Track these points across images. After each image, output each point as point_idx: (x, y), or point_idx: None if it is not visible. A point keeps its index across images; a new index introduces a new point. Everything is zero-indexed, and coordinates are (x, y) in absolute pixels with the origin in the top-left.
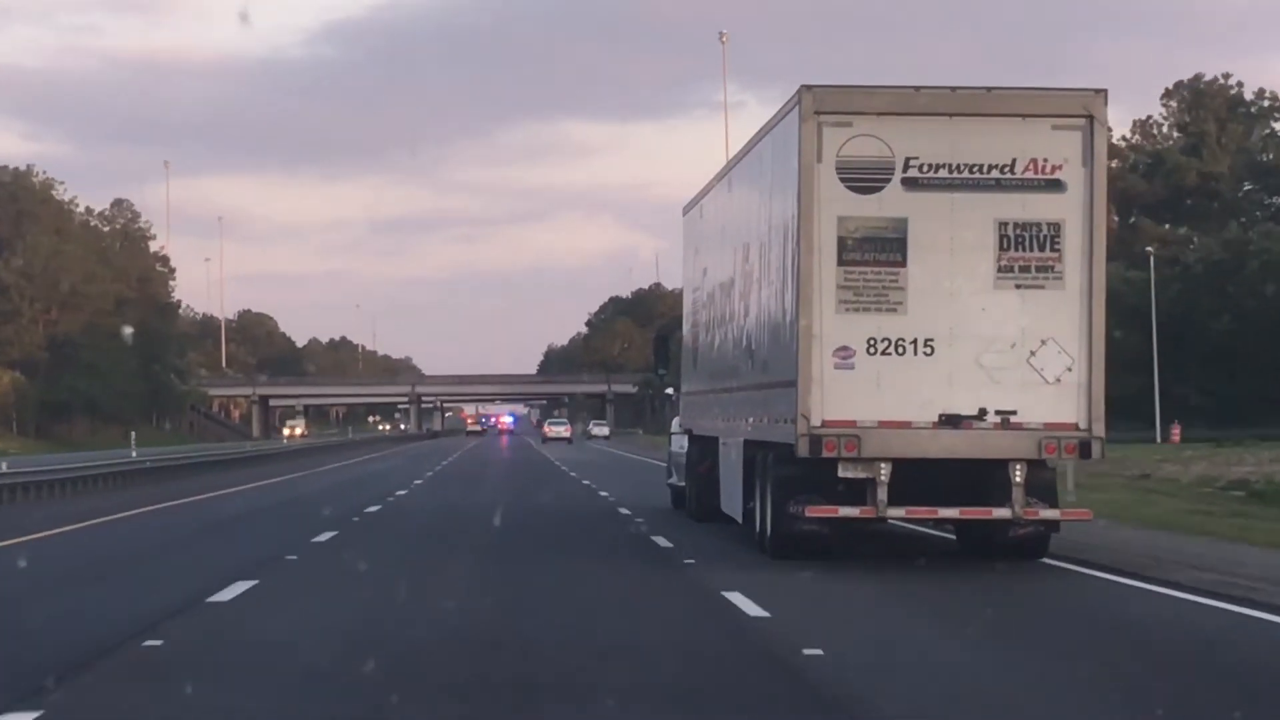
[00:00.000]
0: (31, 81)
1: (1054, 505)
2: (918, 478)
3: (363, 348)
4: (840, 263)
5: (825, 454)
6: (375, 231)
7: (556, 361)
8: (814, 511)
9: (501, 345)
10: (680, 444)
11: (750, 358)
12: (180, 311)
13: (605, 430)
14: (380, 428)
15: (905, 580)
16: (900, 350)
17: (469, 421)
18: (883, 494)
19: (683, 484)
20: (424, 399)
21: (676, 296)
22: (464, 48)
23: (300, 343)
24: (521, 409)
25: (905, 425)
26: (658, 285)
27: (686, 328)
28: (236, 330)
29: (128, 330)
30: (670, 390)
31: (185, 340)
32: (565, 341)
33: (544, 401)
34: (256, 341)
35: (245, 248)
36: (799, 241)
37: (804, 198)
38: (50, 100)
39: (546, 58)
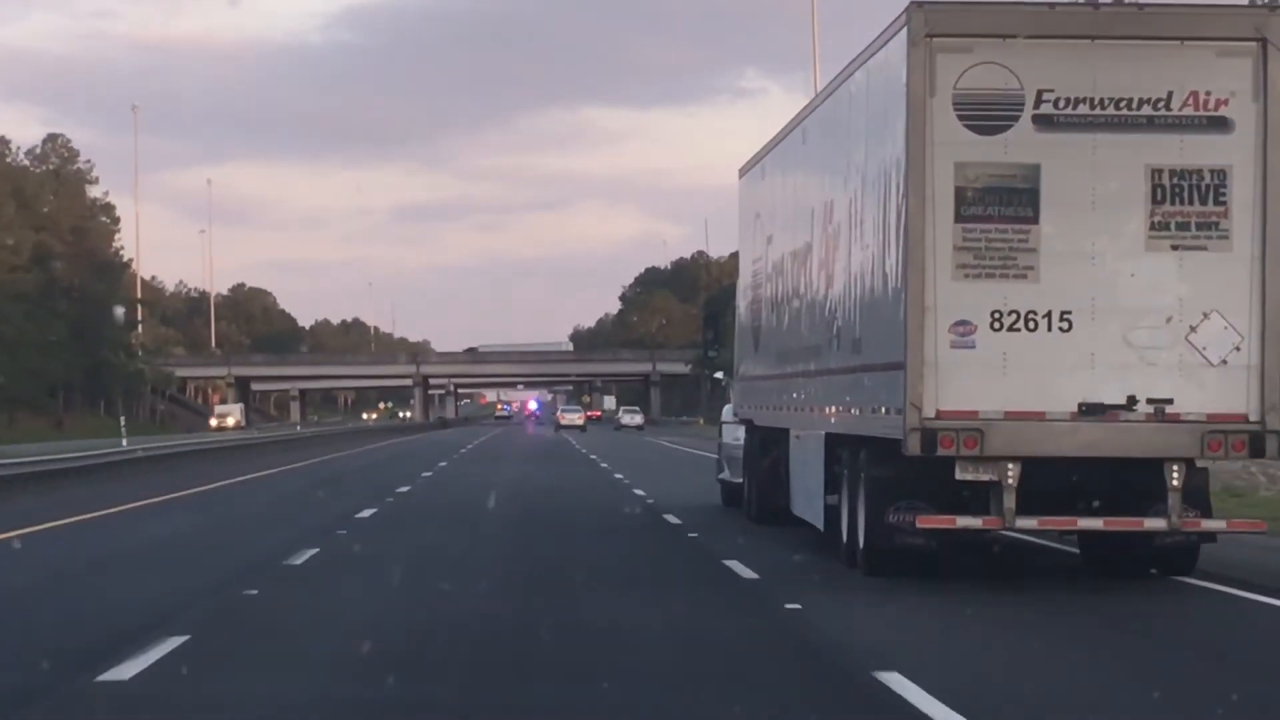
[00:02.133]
0: (51, 67)
1: (1208, 513)
2: (1050, 480)
3: (376, 329)
4: (958, 219)
5: (941, 451)
6: (397, 219)
7: (584, 344)
8: (926, 522)
9: (524, 332)
10: (735, 435)
11: (835, 337)
12: (155, 283)
13: (638, 419)
14: (367, 416)
15: (1044, 608)
16: (1031, 325)
17: (498, 407)
18: (1010, 500)
19: (738, 480)
20: (432, 381)
21: (723, 266)
22: (484, 34)
23: (305, 323)
24: (546, 395)
25: (1037, 417)
26: (701, 254)
27: (743, 303)
28: (227, 307)
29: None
30: (720, 374)
31: (138, 308)
32: (593, 323)
33: (569, 387)
34: (252, 319)
35: (266, 234)
36: (907, 194)
37: (913, 140)
38: (70, 86)
39: (568, 44)
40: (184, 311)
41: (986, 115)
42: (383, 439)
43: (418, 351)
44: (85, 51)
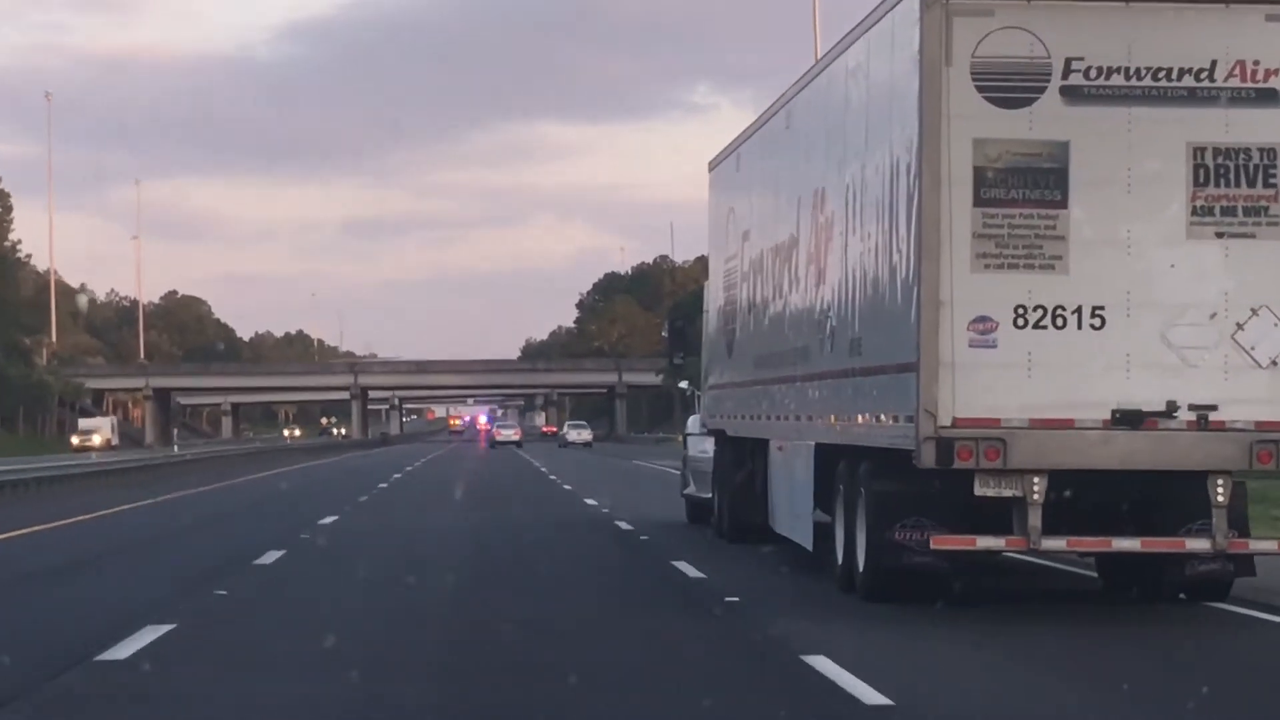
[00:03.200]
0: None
1: (1246, 531)
2: (1079, 496)
3: (320, 342)
4: (978, 202)
5: (959, 463)
6: (348, 234)
7: (538, 357)
8: (942, 543)
9: (476, 347)
10: (701, 447)
11: (829, 338)
12: (85, 291)
13: (585, 434)
14: (288, 434)
15: (1068, 640)
16: (1059, 322)
17: (451, 421)
18: (1035, 518)
19: (705, 495)
20: (375, 395)
21: (689, 271)
22: (434, 48)
23: (245, 335)
24: (497, 411)
25: (1066, 425)
26: (664, 258)
27: (714, 306)
28: (159, 316)
29: None
30: (685, 384)
31: (35, 312)
32: (545, 336)
33: (520, 402)
34: (184, 329)
35: (215, 249)
36: (920, 175)
37: (927, 115)
38: (17, 100)
39: (518, 58)
40: (114, 321)
41: (1009, 86)
42: (300, 460)
43: (355, 362)
44: (33, 64)
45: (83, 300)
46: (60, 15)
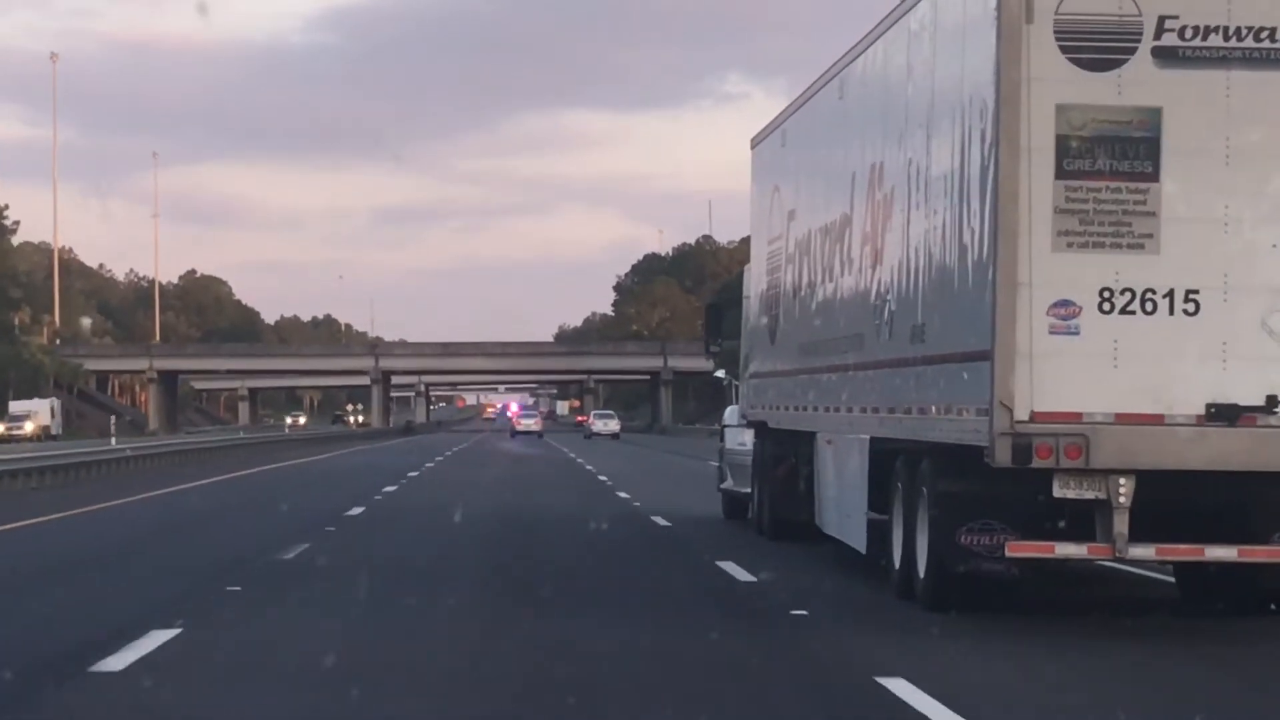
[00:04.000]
0: (31, 66)
1: None
2: (1168, 499)
3: (348, 327)
4: (1060, 175)
5: (1037, 462)
6: (378, 221)
7: (571, 343)
8: (1019, 549)
9: (508, 333)
10: (740, 440)
11: (886, 323)
12: (103, 271)
13: (613, 425)
14: (290, 420)
15: (1145, 656)
16: (1148, 307)
17: (486, 410)
18: (1121, 523)
19: (744, 490)
20: (399, 380)
21: (733, 253)
22: (465, 36)
23: (269, 318)
24: (529, 399)
25: (1155, 420)
26: (707, 239)
27: (756, 290)
28: (176, 296)
29: None
30: (721, 373)
31: (33, 289)
32: (579, 323)
33: (554, 390)
34: (203, 310)
35: (245, 235)
36: (996, 144)
37: (1005, 78)
38: (49, 85)
39: (550, 47)
40: (131, 302)
41: (1096, 47)
42: (283, 456)
43: (376, 344)
44: (64, 51)
45: (86, 322)
46: (91, 2)
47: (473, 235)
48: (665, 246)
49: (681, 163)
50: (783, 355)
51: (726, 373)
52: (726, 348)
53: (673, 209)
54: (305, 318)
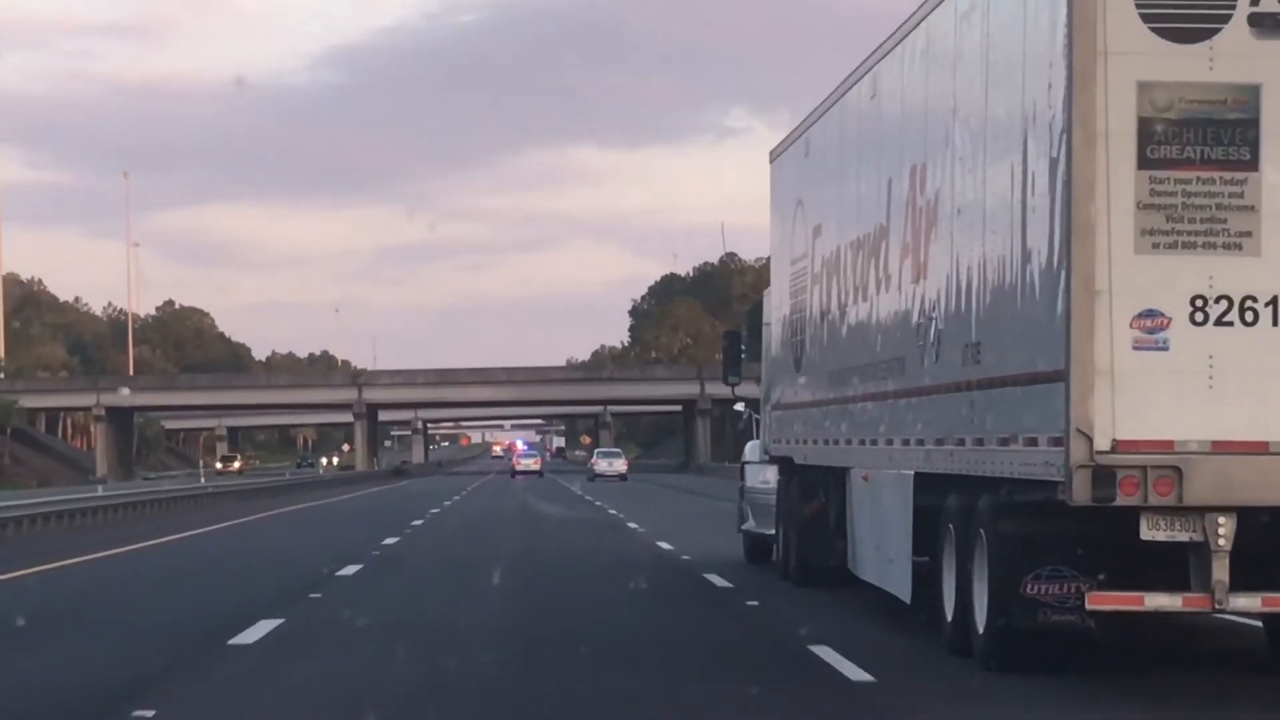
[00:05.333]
0: (32, 108)
1: None
2: (1273, 540)
3: (347, 363)
4: (1143, 164)
5: (1122, 499)
6: (381, 259)
7: (587, 369)
8: (1101, 601)
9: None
10: (763, 477)
11: (934, 344)
12: (78, 305)
13: (620, 464)
14: (221, 466)
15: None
16: (1248, 317)
17: (493, 449)
18: (1221, 569)
19: (768, 532)
20: (390, 415)
21: (761, 271)
22: (468, 74)
23: (259, 354)
24: (535, 436)
25: (1259, 449)
26: (732, 257)
27: (778, 316)
28: (154, 329)
29: None
30: (741, 407)
31: None
32: (587, 356)
33: (561, 426)
34: (181, 344)
35: (248, 276)
36: (1068, 130)
37: (1079, 50)
38: (50, 127)
39: (552, 84)
40: (106, 337)
41: (1184, 15)
42: (171, 529)
43: (359, 373)
44: (66, 93)
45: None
46: (92, 42)
47: (478, 272)
48: (684, 268)
49: (686, 197)
50: (810, 384)
51: (746, 405)
52: (748, 378)
53: (678, 244)
54: (300, 353)
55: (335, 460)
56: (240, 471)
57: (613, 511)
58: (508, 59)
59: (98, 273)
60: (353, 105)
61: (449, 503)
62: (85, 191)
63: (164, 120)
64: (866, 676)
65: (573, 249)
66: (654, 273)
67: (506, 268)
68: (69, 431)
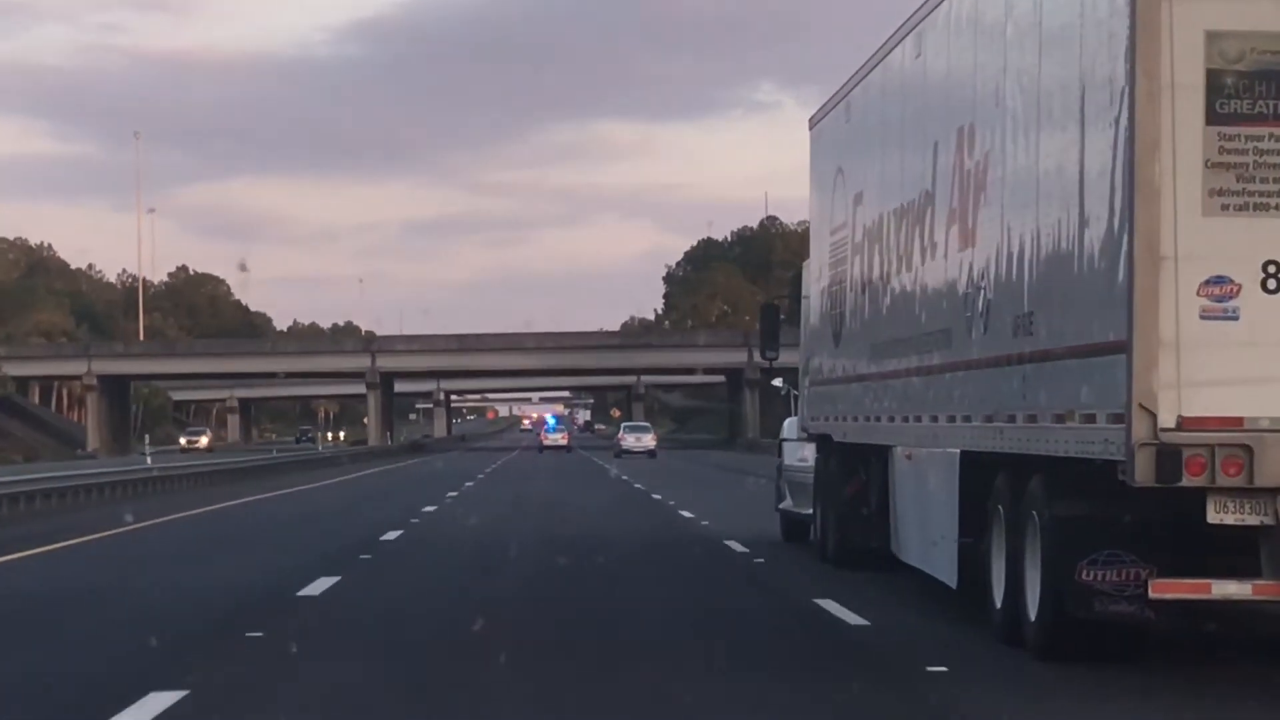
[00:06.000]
0: (58, 81)
1: None
2: None
3: (371, 334)
4: (1212, 119)
5: (1188, 480)
6: (408, 234)
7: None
8: (1164, 588)
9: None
10: (801, 455)
11: (982, 315)
12: (92, 272)
13: (648, 439)
14: (185, 441)
15: None
16: None
17: (524, 421)
18: None
19: (805, 512)
20: (411, 386)
21: (805, 236)
22: (494, 48)
23: (281, 324)
24: (562, 410)
25: None
26: (773, 220)
27: (817, 288)
28: (165, 296)
29: None
30: (779, 382)
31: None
32: (616, 326)
33: (590, 400)
34: (195, 311)
35: (275, 250)
36: (1131, 83)
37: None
38: (77, 100)
39: (579, 57)
40: (119, 304)
41: None
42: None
43: (372, 338)
44: (91, 65)
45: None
46: (118, 15)
47: (506, 247)
48: (720, 234)
49: (715, 172)
50: (850, 359)
51: (784, 381)
52: (788, 344)
53: (707, 216)
54: (324, 323)
55: (342, 435)
56: (209, 449)
57: (678, 507)
58: (534, 32)
59: (121, 244)
60: (377, 79)
61: (452, 495)
62: (111, 165)
63: (190, 94)
64: (933, 667)
65: (601, 224)
66: (684, 247)
67: (534, 242)
68: (65, 402)
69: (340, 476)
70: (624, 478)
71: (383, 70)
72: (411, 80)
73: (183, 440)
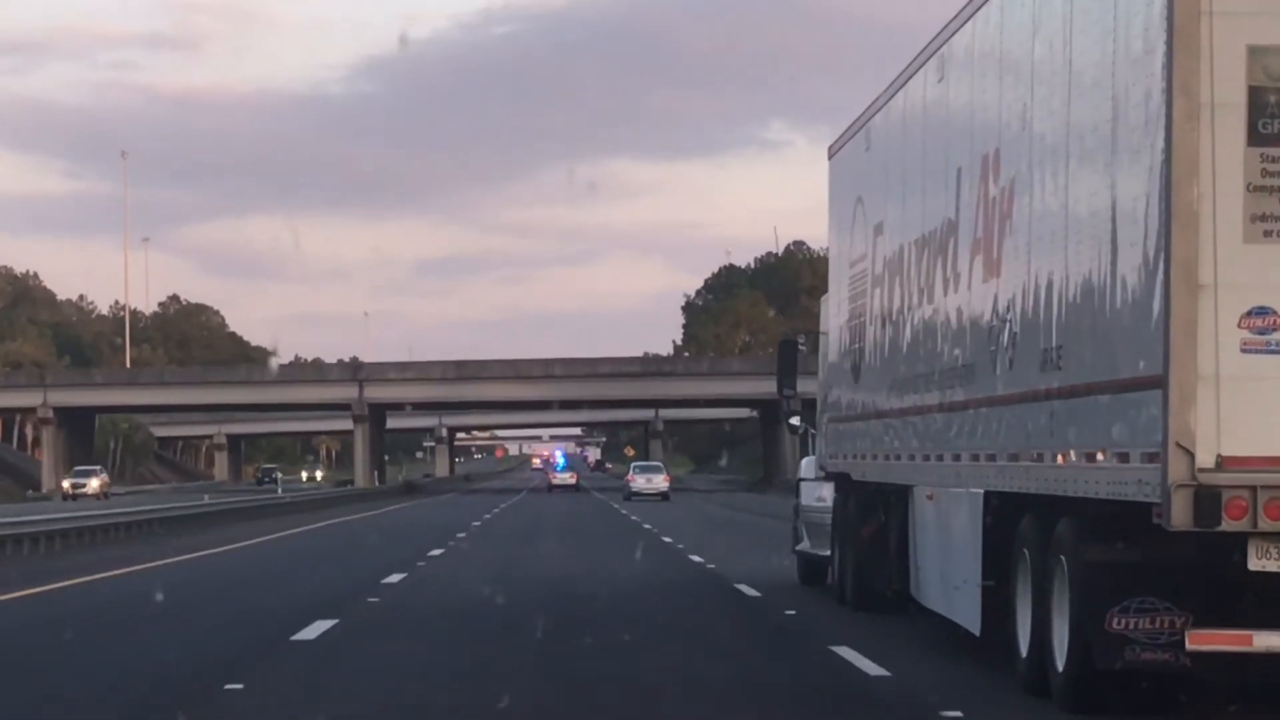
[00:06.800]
0: (71, 119)
1: None
2: None
3: (354, 359)
4: (1254, 140)
5: (1228, 524)
6: (419, 272)
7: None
8: (1202, 640)
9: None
10: (818, 495)
11: (1008, 348)
12: (82, 303)
13: (659, 481)
14: (69, 485)
15: None
16: None
17: (534, 460)
18: None
19: (823, 553)
20: (402, 420)
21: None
22: (506, 85)
23: (283, 359)
24: (573, 448)
25: None
26: (800, 245)
27: (835, 322)
28: (155, 327)
29: None
30: (795, 420)
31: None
32: (636, 353)
33: (603, 438)
34: (186, 343)
35: (285, 287)
36: (1168, 101)
37: (1180, 9)
38: (90, 138)
39: (590, 96)
40: (107, 335)
41: None
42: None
43: (359, 365)
44: (104, 103)
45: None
46: (130, 53)
47: (516, 285)
48: (740, 261)
49: (727, 211)
50: (869, 395)
51: (802, 419)
52: (802, 390)
53: (718, 257)
54: (329, 358)
55: (319, 475)
56: (100, 495)
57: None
58: (544, 71)
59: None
60: (389, 117)
61: (394, 579)
62: (120, 201)
63: (200, 131)
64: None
65: (613, 262)
66: (696, 285)
67: (546, 281)
68: (27, 438)
69: (274, 533)
70: (653, 530)
71: (394, 108)
72: (423, 118)
73: (66, 484)
